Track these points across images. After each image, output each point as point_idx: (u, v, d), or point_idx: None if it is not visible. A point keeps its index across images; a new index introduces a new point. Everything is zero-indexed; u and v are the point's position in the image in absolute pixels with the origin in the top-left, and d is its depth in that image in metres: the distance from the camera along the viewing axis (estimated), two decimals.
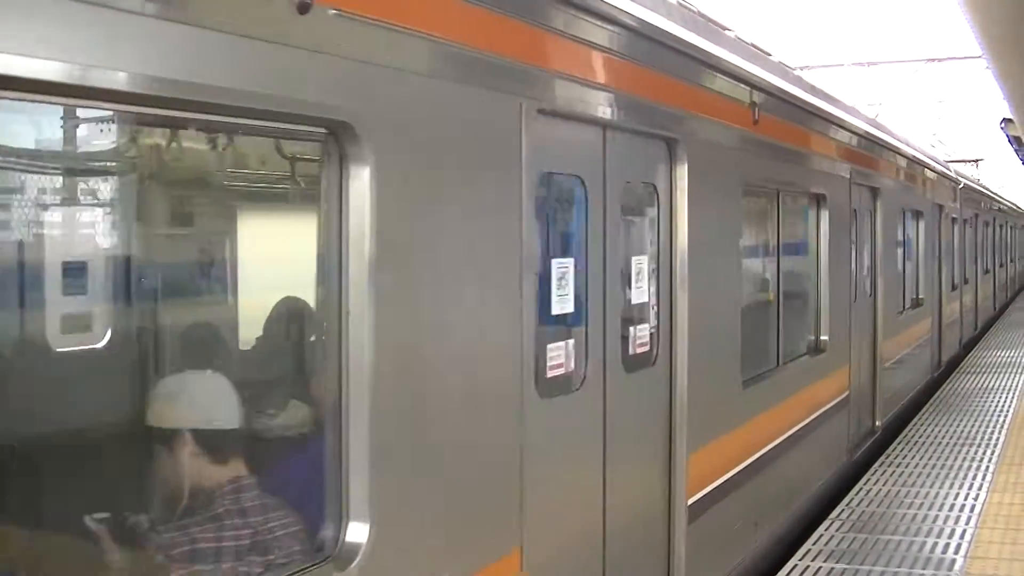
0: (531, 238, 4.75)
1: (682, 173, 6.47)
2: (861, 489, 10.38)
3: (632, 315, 6.12)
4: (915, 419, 14.13)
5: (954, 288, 20.87)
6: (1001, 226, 34.00)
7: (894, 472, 11.09)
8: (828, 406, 10.40)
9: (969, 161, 40.56)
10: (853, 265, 11.63)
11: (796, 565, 8.14)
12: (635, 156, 6.15)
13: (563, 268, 5.25)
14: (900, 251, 15.09)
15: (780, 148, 8.91)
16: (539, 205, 4.97)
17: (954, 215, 21.08)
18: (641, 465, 6.19)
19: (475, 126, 4.40)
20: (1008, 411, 14.54)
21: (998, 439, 12.62)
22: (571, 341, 5.36)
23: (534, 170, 4.76)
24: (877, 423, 12.80)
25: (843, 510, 9.63)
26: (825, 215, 10.40)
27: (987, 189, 30.44)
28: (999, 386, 16.88)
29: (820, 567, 8.09)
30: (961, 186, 21.98)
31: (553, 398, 5.12)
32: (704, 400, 6.77)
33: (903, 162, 15.40)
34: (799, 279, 10.19)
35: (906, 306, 15.52)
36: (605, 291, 5.63)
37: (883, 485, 10.54)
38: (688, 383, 6.47)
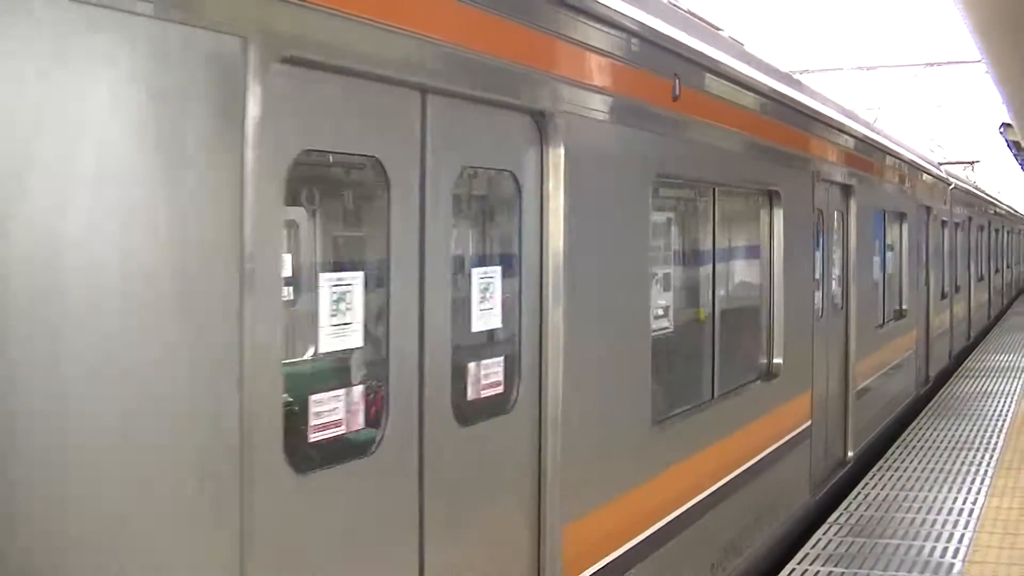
0: (267, 244, 3.32)
1: (557, 158, 4.95)
2: (859, 493, 10.39)
3: (473, 347, 4.69)
4: (913, 423, 14.14)
5: (944, 297, 19.47)
6: (997, 230, 32.81)
7: (892, 476, 11.11)
8: (782, 441, 8.83)
9: (964, 163, 39.97)
10: (818, 274, 10.06)
11: (795, 569, 8.15)
12: (480, 133, 4.58)
13: (342, 286, 3.85)
14: (879, 257, 13.55)
15: (713, 133, 7.31)
16: (290, 196, 3.67)
17: (944, 218, 19.72)
18: (489, 546, 4.65)
19: (144, 75, 2.92)
20: (1006, 415, 14.56)
21: (996, 443, 12.64)
22: (358, 388, 4.01)
23: (276, 146, 3.37)
24: (849, 454, 11.24)
25: (841, 514, 9.64)
26: (779, 216, 8.78)
27: (982, 191, 29.75)
28: (997, 390, 16.90)
29: (818, 571, 8.10)
30: (952, 187, 20.94)
31: (322, 470, 3.68)
32: (589, 453, 5.38)
33: (883, 158, 13.78)
34: (745, 292, 8.87)
35: (887, 319, 13.91)
36: (423, 316, 4.16)
37: (881, 489, 10.55)
38: (563, 432, 5.00)
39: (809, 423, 9.69)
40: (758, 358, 8.79)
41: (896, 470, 11.38)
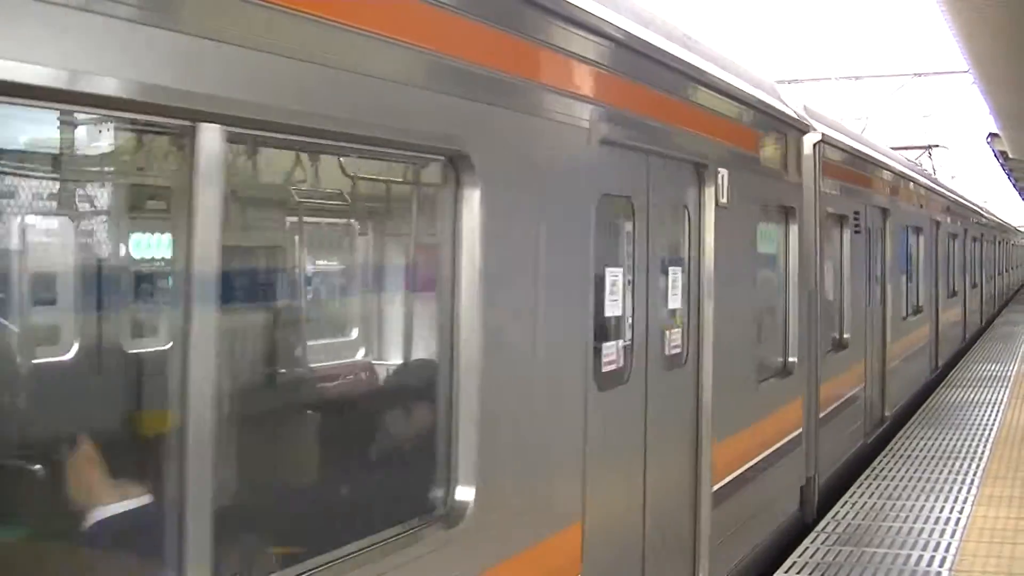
0: None
1: None
2: (847, 502, 10.41)
3: None
4: (900, 432, 14.17)
5: (841, 347, 11.96)
6: (955, 236, 23.43)
7: (880, 485, 11.13)
8: None
9: (919, 148, 30.33)
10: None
11: None
12: None
13: None
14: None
15: None
16: None
17: (830, 208, 11.11)
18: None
19: None
20: (993, 425, 14.60)
21: (983, 453, 12.67)
22: None
23: None
24: None
25: (828, 523, 9.66)
26: None
27: (925, 174, 21.19)
28: (984, 400, 16.94)
29: None
30: (843, 153, 11.77)
31: None
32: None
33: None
34: None
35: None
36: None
37: (868, 498, 10.57)
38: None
39: None
40: None
41: (883, 479, 11.40)
